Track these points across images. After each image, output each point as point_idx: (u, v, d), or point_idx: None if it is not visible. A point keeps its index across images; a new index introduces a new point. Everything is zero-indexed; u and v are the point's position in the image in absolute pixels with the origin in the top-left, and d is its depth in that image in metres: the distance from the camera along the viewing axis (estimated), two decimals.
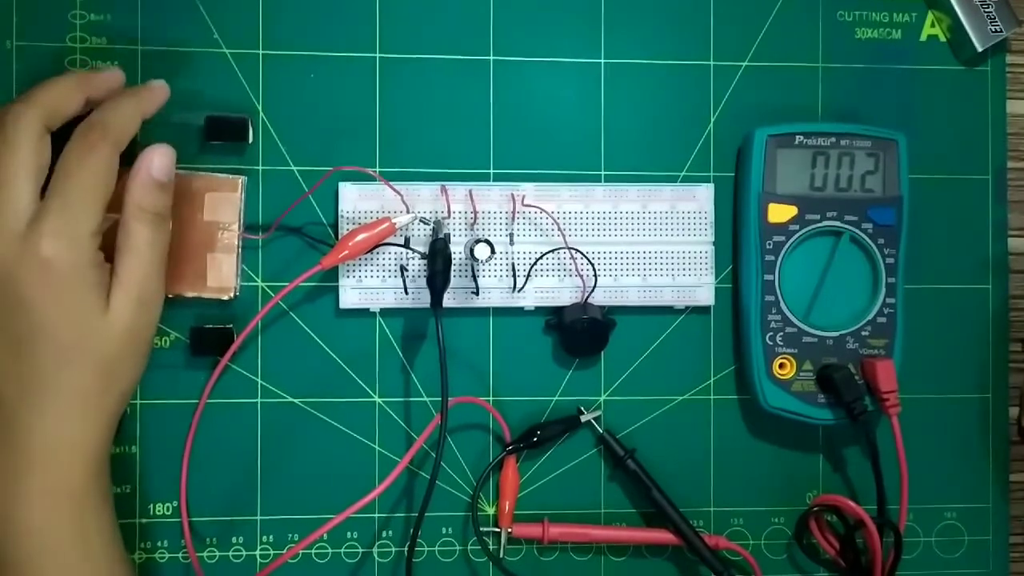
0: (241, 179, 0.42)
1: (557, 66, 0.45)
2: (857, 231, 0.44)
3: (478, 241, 0.41)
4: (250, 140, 0.43)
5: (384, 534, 0.44)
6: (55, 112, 0.35)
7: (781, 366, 0.44)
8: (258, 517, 0.43)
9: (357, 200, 0.43)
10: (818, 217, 0.44)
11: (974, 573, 0.47)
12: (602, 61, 0.45)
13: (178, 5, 0.43)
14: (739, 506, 0.46)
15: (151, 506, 0.43)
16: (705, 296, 0.45)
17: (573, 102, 0.45)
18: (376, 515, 0.44)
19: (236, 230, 0.42)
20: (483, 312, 0.44)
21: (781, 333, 0.44)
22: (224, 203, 0.42)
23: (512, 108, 0.45)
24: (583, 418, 0.44)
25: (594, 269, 0.43)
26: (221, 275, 0.42)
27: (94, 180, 0.34)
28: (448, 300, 0.42)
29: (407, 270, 0.43)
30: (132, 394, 0.38)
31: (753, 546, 0.46)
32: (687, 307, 0.45)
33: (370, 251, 0.42)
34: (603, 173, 0.45)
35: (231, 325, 0.43)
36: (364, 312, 0.44)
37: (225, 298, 0.42)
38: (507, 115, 0.45)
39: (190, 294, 0.42)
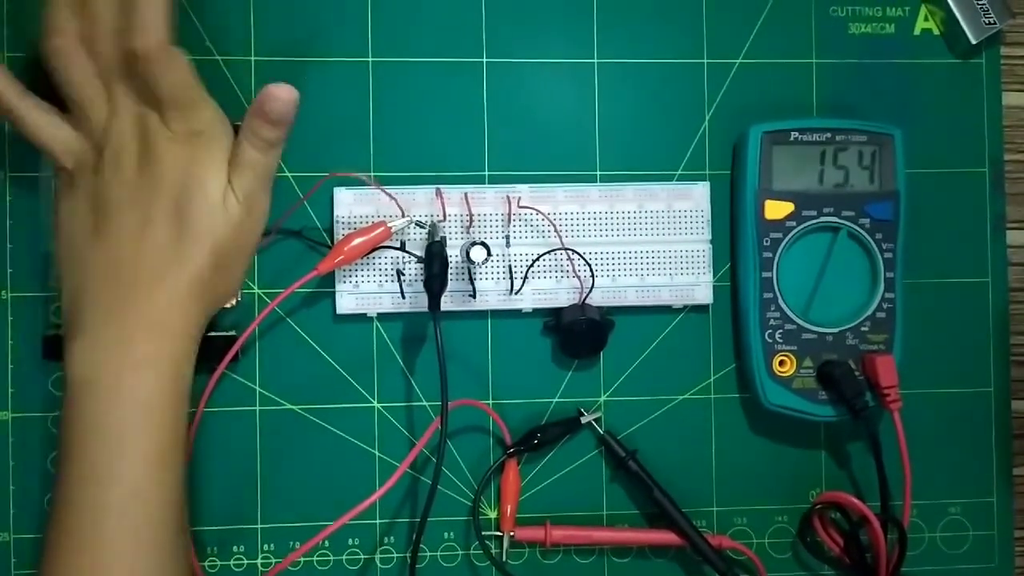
0: None
1: (550, 67, 0.45)
2: (855, 226, 0.44)
3: (474, 244, 0.41)
4: None
5: (386, 540, 0.44)
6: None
7: (781, 363, 0.44)
8: (259, 525, 0.43)
9: (352, 205, 0.43)
10: (815, 213, 0.44)
11: (979, 568, 0.46)
12: (595, 61, 0.45)
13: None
14: (742, 505, 0.46)
15: None
16: (703, 295, 0.44)
17: (567, 103, 0.45)
18: (377, 521, 0.44)
19: None
20: (481, 315, 0.44)
21: (780, 330, 0.44)
22: None
23: (506, 110, 0.45)
24: (583, 419, 0.44)
25: (591, 270, 0.43)
26: None
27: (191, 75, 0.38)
28: (445, 303, 0.42)
29: (404, 274, 0.43)
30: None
31: (757, 545, 0.46)
32: (685, 306, 0.45)
33: (366, 256, 0.42)
34: (598, 173, 0.45)
35: (234, 332, 0.42)
36: (361, 317, 0.44)
37: (228, 305, 0.42)
38: (501, 117, 0.45)
39: None
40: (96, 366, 0.36)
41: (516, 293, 0.43)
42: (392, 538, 0.44)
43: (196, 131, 0.37)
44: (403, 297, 0.43)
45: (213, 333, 0.42)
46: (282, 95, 0.37)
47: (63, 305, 0.38)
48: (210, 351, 0.42)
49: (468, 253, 0.41)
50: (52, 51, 0.37)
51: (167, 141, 0.37)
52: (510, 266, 0.43)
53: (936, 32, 0.47)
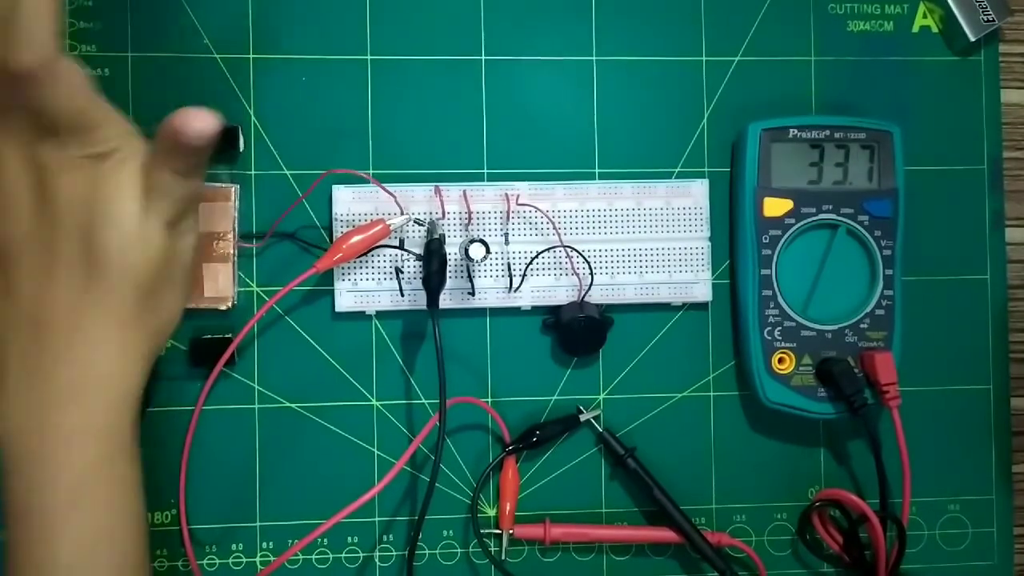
0: (234, 188, 0.42)
1: (549, 64, 0.45)
2: (853, 224, 0.44)
3: (473, 241, 0.41)
4: (241, 148, 0.43)
5: (385, 538, 0.44)
6: None
7: (780, 361, 0.44)
8: (257, 523, 0.43)
9: (351, 202, 0.42)
10: (814, 210, 0.44)
11: (979, 565, 0.46)
12: (594, 58, 0.45)
13: (168, 11, 0.43)
14: (741, 502, 0.46)
15: (150, 514, 0.43)
16: (702, 292, 0.44)
17: (566, 100, 0.45)
18: (376, 519, 0.44)
19: (231, 239, 0.42)
20: (479, 312, 0.44)
21: (779, 327, 0.44)
22: (218, 213, 0.42)
23: (505, 107, 0.45)
24: (582, 417, 0.44)
25: (590, 267, 0.43)
26: (218, 285, 0.42)
27: (89, 89, 0.31)
28: (444, 301, 0.42)
29: (402, 272, 0.43)
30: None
31: (756, 542, 0.46)
32: (684, 304, 0.45)
33: (365, 253, 0.42)
34: (597, 171, 0.45)
35: (230, 335, 0.42)
36: (360, 315, 0.43)
37: (223, 308, 0.42)
38: (500, 114, 0.45)
39: (187, 305, 0.41)
40: (22, 438, 0.32)
41: (515, 291, 0.43)
42: (391, 536, 0.44)
43: (99, 154, 0.31)
44: (402, 295, 0.43)
45: (209, 336, 0.42)
46: (198, 124, 0.31)
47: None
48: (208, 350, 0.42)
49: (467, 251, 0.41)
50: None
51: (65, 172, 0.31)
52: (509, 264, 0.43)
53: (935, 29, 0.47)
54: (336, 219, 0.42)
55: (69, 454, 0.32)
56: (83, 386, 0.32)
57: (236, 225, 0.42)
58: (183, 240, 0.35)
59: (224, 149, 0.42)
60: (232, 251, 0.42)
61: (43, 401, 0.32)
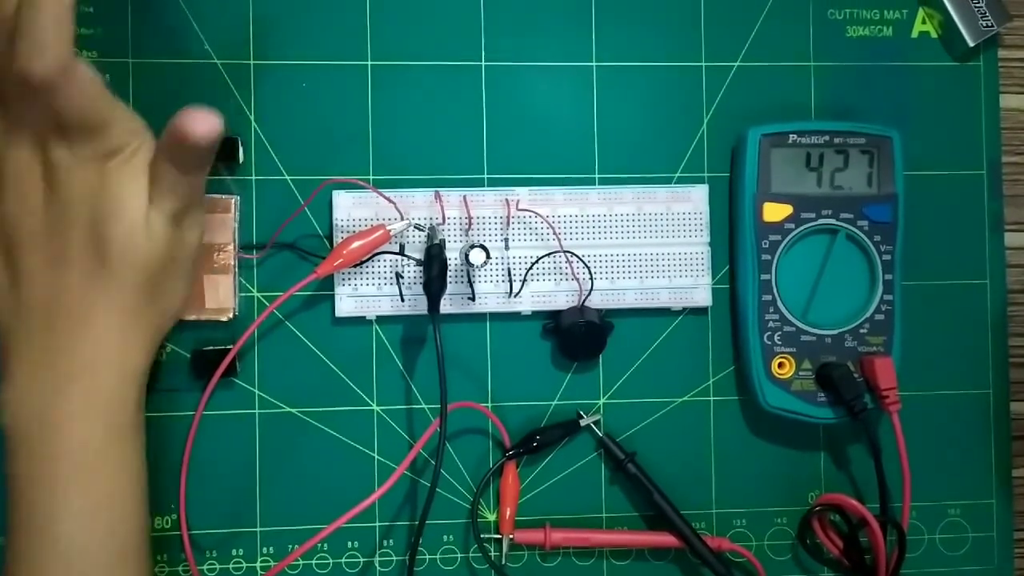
0: (234, 199, 0.42)
1: (549, 70, 0.45)
2: (853, 229, 0.44)
3: (473, 246, 0.41)
4: (241, 160, 0.43)
5: (385, 543, 0.44)
6: None
7: (780, 365, 0.44)
8: (258, 529, 0.43)
9: (351, 208, 0.43)
10: (813, 215, 0.44)
11: (979, 570, 0.46)
12: (594, 64, 0.45)
13: (168, 17, 0.43)
14: (741, 507, 0.46)
15: (150, 519, 0.42)
16: (702, 297, 0.44)
17: (566, 105, 0.45)
18: (376, 524, 0.44)
19: (231, 250, 0.42)
20: (480, 317, 0.44)
21: (779, 332, 0.44)
22: (218, 224, 0.42)
23: (505, 113, 0.45)
24: (583, 422, 0.44)
25: (590, 272, 0.43)
26: (219, 297, 0.42)
27: (99, 91, 0.33)
28: (444, 306, 0.42)
29: (403, 277, 0.43)
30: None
31: (756, 547, 0.46)
32: (684, 308, 0.45)
33: (365, 259, 0.42)
34: (597, 176, 0.45)
35: (231, 347, 0.42)
36: (360, 320, 0.44)
37: (224, 319, 0.42)
38: (500, 120, 0.45)
39: (189, 317, 0.41)
40: (29, 419, 0.34)
41: (515, 296, 0.43)
42: (391, 541, 0.44)
43: (108, 151, 0.33)
44: (402, 300, 0.43)
45: (210, 348, 0.42)
46: (200, 128, 0.32)
47: None
48: (210, 362, 0.42)
49: (467, 256, 0.41)
50: None
51: (75, 169, 0.33)
52: (509, 269, 0.43)
53: (934, 35, 0.47)
54: (336, 224, 0.42)
55: (75, 427, 0.34)
56: (90, 366, 0.34)
57: (236, 236, 0.42)
58: (188, 233, 0.37)
59: (224, 160, 0.42)
60: (232, 262, 0.42)
61: (52, 380, 0.34)
